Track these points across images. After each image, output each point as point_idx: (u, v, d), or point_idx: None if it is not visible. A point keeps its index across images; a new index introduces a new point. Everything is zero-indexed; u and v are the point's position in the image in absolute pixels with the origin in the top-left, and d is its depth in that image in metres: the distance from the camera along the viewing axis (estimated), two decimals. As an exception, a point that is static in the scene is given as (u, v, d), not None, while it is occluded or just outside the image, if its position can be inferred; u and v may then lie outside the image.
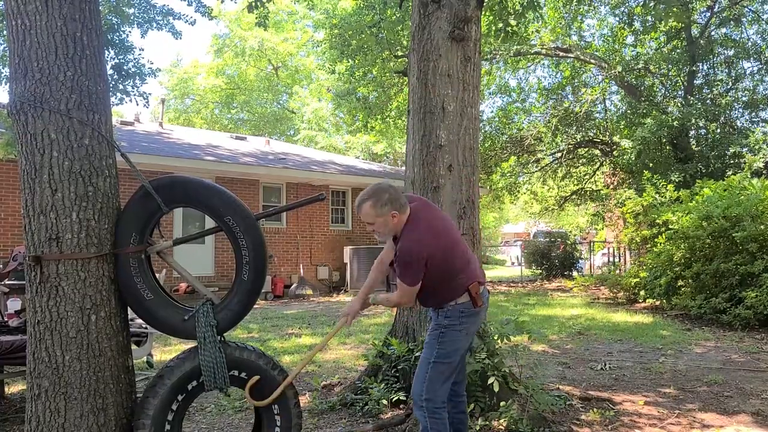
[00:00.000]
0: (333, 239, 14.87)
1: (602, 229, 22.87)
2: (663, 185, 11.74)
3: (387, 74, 14.54)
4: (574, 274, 17.63)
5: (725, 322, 8.10)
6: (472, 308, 2.78)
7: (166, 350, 6.48)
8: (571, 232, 24.33)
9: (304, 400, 4.50)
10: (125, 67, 10.33)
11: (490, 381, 3.69)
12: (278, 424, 2.75)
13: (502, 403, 3.77)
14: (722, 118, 14.27)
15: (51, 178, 2.51)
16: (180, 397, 2.65)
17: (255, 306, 2.89)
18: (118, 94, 10.39)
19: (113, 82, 10.07)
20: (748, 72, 15.61)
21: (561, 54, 16.33)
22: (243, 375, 2.72)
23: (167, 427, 2.61)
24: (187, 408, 2.77)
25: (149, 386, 2.65)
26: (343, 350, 6.68)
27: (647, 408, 4.35)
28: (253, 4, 6.75)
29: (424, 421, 2.75)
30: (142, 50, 10.59)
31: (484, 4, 4.79)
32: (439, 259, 2.72)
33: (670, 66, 14.71)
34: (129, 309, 2.79)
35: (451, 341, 2.77)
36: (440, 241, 2.75)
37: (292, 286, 13.39)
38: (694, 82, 15.13)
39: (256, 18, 7.14)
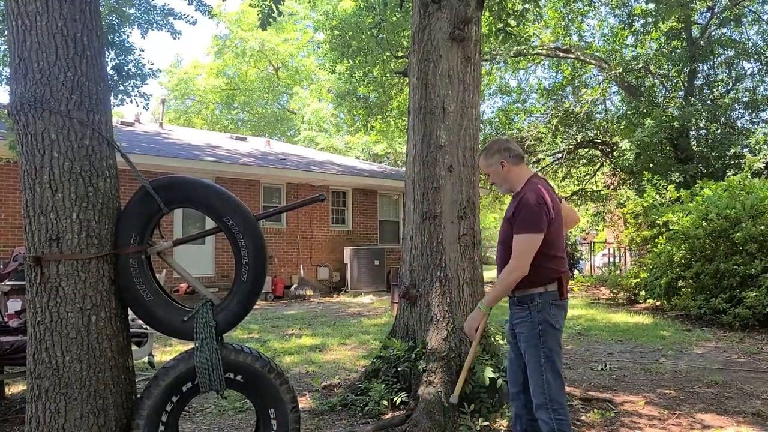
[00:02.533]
0: (333, 240, 14.87)
1: (602, 229, 22.87)
2: (663, 185, 11.74)
3: (387, 75, 14.55)
4: (575, 273, 17.64)
5: (725, 323, 8.10)
6: (558, 299, 2.78)
7: (166, 351, 6.48)
8: (571, 232, 24.32)
9: (304, 401, 4.51)
10: (125, 68, 10.34)
11: (492, 380, 3.69)
12: (274, 428, 2.73)
13: (504, 405, 3.78)
14: (722, 119, 14.27)
15: (51, 178, 2.50)
16: (174, 399, 2.64)
17: (255, 306, 2.89)
18: (119, 95, 10.39)
19: (113, 83, 10.07)
20: (748, 72, 15.63)
21: (561, 54, 16.34)
22: (239, 378, 2.70)
23: (161, 427, 2.60)
24: (182, 409, 2.76)
25: (145, 387, 2.65)
26: (344, 351, 6.68)
27: (648, 408, 4.35)
28: (267, 12, 6.66)
29: (551, 423, 2.71)
30: (143, 51, 10.57)
31: (484, 4, 4.79)
32: (554, 225, 2.77)
33: (670, 66, 14.71)
34: (129, 309, 2.78)
35: (552, 335, 2.76)
36: (556, 210, 2.81)
37: (293, 287, 13.39)
38: (695, 82, 15.14)
39: (259, 18, 7.06)
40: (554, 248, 2.79)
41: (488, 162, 2.94)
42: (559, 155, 18.05)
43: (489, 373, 3.74)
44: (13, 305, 5.21)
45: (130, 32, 11.01)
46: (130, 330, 2.87)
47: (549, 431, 2.72)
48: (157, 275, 2.92)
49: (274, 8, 6.58)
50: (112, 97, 5.64)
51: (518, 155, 2.92)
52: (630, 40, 16.24)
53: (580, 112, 16.22)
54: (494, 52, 15.10)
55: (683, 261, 9.32)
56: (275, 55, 31.60)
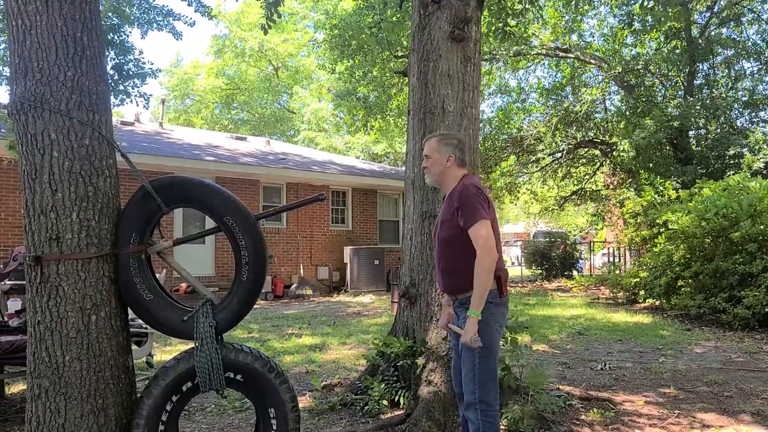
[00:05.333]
0: (333, 239, 14.87)
1: (602, 229, 22.88)
2: (661, 183, 11.74)
3: (387, 74, 14.54)
4: (574, 273, 17.64)
5: (725, 322, 8.10)
6: (498, 297, 2.76)
7: (166, 350, 6.48)
8: (571, 232, 24.34)
9: (304, 400, 4.51)
10: (125, 68, 10.35)
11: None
12: (274, 428, 2.72)
13: (508, 404, 3.78)
14: (722, 119, 14.26)
15: (51, 178, 2.50)
16: (174, 398, 2.64)
17: (255, 306, 2.89)
18: (119, 95, 10.40)
19: (113, 83, 10.08)
20: (748, 72, 15.63)
21: (561, 54, 16.34)
22: (239, 377, 2.70)
23: (161, 427, 2.60)
24: (182, 409, 2.76)
25: (145, 387, 2.66)
26: (344, 350, 6.68)
27: (647, 408, 4.36)
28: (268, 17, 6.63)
29: (477, 423, 2.68)
30: (142, 53, 10.56)
31: (484, 4, 4.79)
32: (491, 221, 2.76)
33: (670, 66, 14.71)
34: (129, 309, 2.78)
35: (489, 335, 2.71)
36: (492, 208, 2.80)
37: (292, 286, 13.39)
38: (694, 82, 15.13)
39: (262, 6, 7.00)
40: (496, 240, 2.78)
41: (439, 148, 2.90)
42: (559, 155, 18.04)
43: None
44: (13, 305, 5.21)
45: (130, 32, 11.02)
46: (130, 329, 2.88)
47: (474, 431, 2.70)
48: (157, 275, 2.92)
49: (274, 12, 6.58)
50: (112, 97, 5.65)
51: (464, 160, 2.93)
52: (630, 39, 16.23)
53: (580, 111, 16.21)
54: (494, 52, 15.10)
55: (683, 260, 9.32)
56: (275, 55, 31.59)
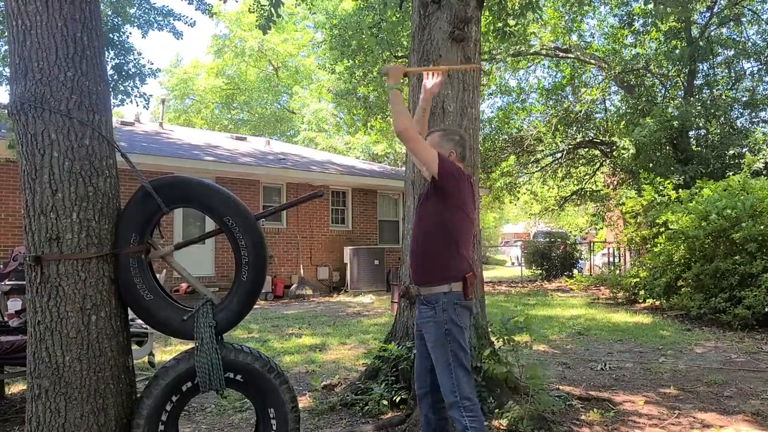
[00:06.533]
0: (333, 239, 14.87)
1: (602, 229, 22.88)
2: (660, 183, 11.74)
3: (387, 74, 14.52)
4: (574, 273, 17.64)
5: (725, 322, 8.10)
6: (464, 300, 2.81)
7: (166, 350, 6.48)
8: (571, 232, 24.33)
9: (304, 400, 4.51)
10: (126, 68, 10.36)
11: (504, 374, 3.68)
12: (274, 428, 2.72)
13: (507, 404, 3.78)
14: (722, 119, 14.26)
15: (51, 178, 2.50)
16: (174, 398, 2.64)
17: (255, 306, 2.88)
18: (119, 95, 10.42)
19: (114, 83, 10.10)
20: (748, 72, 15.63)
21: (561, 54, 16.34)
22: (239, 377, 2.70)
23: (161, 427, 2.60)
24: (182, 409, 2.76)
25: (145, 387, 2.66)
26: (344, 350, 6.68)
27: (647, 408, 4.36)
28: (266, 16, 6.63)
29: (463, 421, 2.73)
30: (141, 54, 10.57)
31: (484, 4, 4.79)
32: (467, 213, 2.85)
33: (670, 66, 14.71)
34: (129, 309, 2.78)
35: (459, 335, 2.77)
36: (470, 201, 2.88)
37: (292, 287, 13.39)
38: (694, 82, 15.13)
39: (258, 22, 7.02)
40: (463, 243, 2.83)
41: (441, 143, 2.96)
42: (559, 155, 18.04)
43: (501, 368, 3.74)
44: (13, 305, 5.22)
45: (130, 32, 11.03)
46: (131, 330, 2.87)
47: (462, 429, 2.74)
48: (157, 275, 2.92)
49: (273, 12, 6.58)
50: (112, 97, 5.65)
51: (465, 156, 3.03)
52: (630, 39, 16.24)
53: (580, 111, 16.22)
54: (494, 52, 15.10)
55: (683, 261, 9.31)
56: (275, 55, 31.59)
